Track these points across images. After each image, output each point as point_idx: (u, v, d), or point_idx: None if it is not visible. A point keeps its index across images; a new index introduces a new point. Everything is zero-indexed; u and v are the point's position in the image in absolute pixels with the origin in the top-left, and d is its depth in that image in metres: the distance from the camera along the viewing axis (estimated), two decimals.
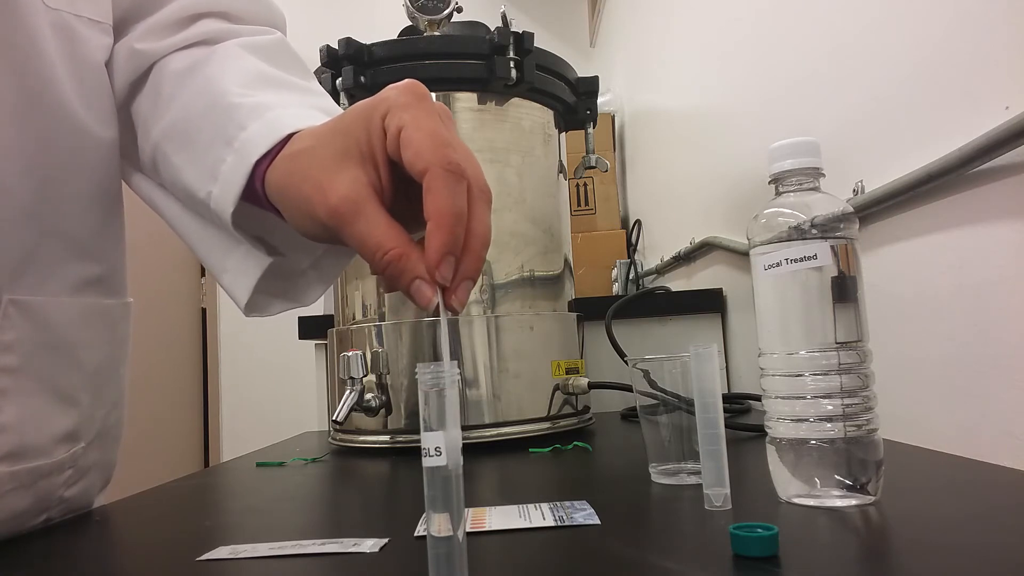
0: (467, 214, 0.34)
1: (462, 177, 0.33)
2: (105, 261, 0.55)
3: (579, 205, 2.05)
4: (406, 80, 0.37)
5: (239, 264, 0.47)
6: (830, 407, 0.43)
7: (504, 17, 0.85)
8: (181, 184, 0.47)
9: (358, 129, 0.36)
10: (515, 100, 0.87)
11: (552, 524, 0.43)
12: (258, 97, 0.45)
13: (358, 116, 0.36)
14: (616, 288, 1.81)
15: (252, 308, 0.48)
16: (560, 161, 0.94)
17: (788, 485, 0.45)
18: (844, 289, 0.44)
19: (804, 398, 0.44)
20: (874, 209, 0.69)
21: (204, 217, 0.48)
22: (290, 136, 0.40)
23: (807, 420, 0.44)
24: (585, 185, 2.05)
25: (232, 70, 0.48)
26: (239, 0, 0.56)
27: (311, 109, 0.45)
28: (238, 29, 0.54)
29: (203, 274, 2.80)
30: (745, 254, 0.65)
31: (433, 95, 0.83)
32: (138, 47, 0.52)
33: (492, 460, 0.70)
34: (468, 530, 0.42)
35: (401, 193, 0.36)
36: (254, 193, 0.42)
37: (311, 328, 1.23)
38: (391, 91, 0.36)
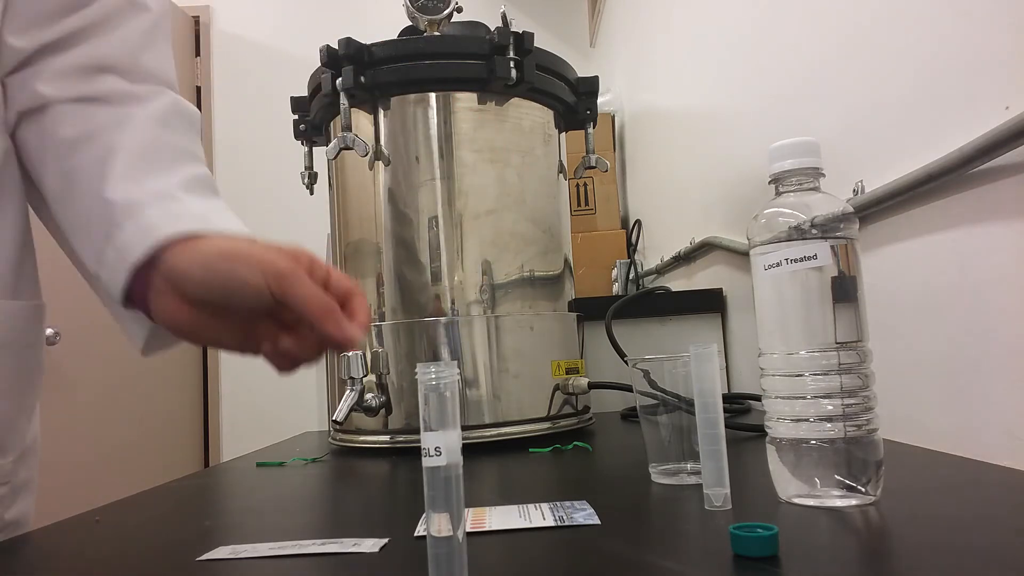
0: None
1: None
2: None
3: (579, 205, 2.05)
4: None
5: (129, 324, 0.50)
6: (830, 407, 0.43)
7: (504, 17, 0.85)
8: (71, 243, 0.50)
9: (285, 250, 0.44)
10: (515, 100, 0.87)
11: (552, 524, 0.43)
12: (134, 191, 0.47)
13: (280, 245, 0.44)
14: (616, 288, 1.81)
15: (149, 350, 0.51)
16: (560, 161, 0.94)
17: (788, 485, 0.45)
18: (844, 289, 0.44)
19: (804, 398, 0.44)
20: (874, 209, 0.69)
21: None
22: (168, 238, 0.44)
23: (807, 420, 0.44)
24: (585, 185, 2.05)
25: (121, 149, 0.50)
26: (142, 59, 0.55)
27: (186, 197, 0.48)
28: (135, 92, 0.54)
29: None
30: (745, 254, 0.65)
31: (433, 95, 0.84)
32: (40, 89, 0.51)
33: (492, 460, 0.70)
34: (468, 530, 0.42)
35: None
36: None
37: None
38: (293, 246, 0.45)
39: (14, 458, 0.54)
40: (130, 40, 0.54)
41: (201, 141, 0.57)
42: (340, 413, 0.77)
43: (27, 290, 0.55)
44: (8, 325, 0.52)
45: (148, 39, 0.56)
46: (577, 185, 2.05)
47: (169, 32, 0.59)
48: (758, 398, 0.85)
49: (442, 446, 0.30)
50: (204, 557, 0.41)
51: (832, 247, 0.44)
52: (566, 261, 0.92)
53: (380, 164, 0.85)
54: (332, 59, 0.83)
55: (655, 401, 0.54)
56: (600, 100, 1.11)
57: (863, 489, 0.43)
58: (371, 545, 0.40)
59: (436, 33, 0.88)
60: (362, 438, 0.82)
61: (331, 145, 0.82)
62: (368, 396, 0.79)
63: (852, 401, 0.43)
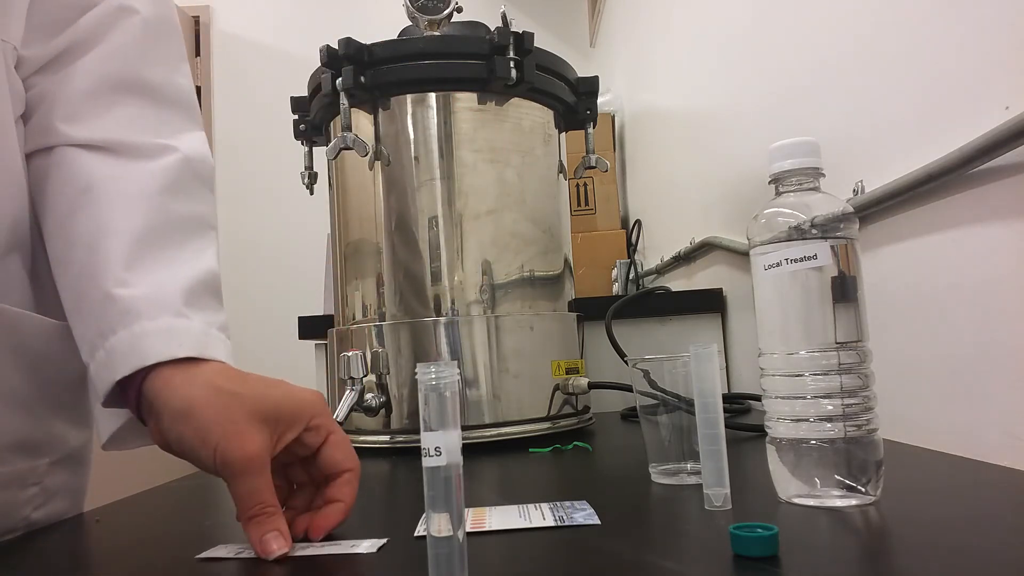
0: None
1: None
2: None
3: (579, 205, 2.05)
4: (316, 392, 0.45)
5: (101, 417, 0.49)
6: (830, 407, 0.43)
7: (504, 17, 0.85)
8: (66, 310, 0.50)
9: (283, 409, 0.43)
10: (515, 100, 0.87)
11: (552, 524, 0.43)
12: (134, 291, 0.46)
13: (288, 399, 0.44)
14: (616, 288, 1.81)
15: (111, 444, 0.50)
16: (560, 161, 0.94)
17: (788, 485, 0.45)
18: (844, 289, 0.44)
19: (804, 398, 0.44)
20: (874, 209, 0.69)
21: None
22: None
23: (807, 420, 0.44)
24: (585, 185, 2.05)
25: (122, 231, 0.48)
26: (144, 72, 0.54)
27: (187, 311, 0.47)
28: (142, 146, 0.52)
29: None
30: (745, 254, 0.65)
31: (433, 95, 0.84)
32: (56, 124, 0.51)
33: (492, 460, 0.70)
34: (468, 530, 0.42)
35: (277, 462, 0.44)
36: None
37: (311, 328, 1.23)
38: (313, 396, 0.45)
39: (50, 461, 0.54)
40: (124, 48, 0.53)
41: (212, 191, 0.55)
42: (340, 413, 0.77)
43: (54, 305, 0.53)
44: (45, 339, 0.52)
45: (142, 46, 0.54)
46: (577, 185, 2.05)
47: (176, 40, 0.58)
48: (758, 398, 0.85)
49: (442, 446, 0.30)
50: (203, 555, 0.41)
51: (832, 247, 0.44)
52: (566, 261, 0.92)
53: (380, 164, 0.85)
54: (332, 59, 0.83)
55: (655, 401, 0.54)
56: (600, 100, 1.10)
57: (863, 489, 0.43)
58: (369, 546, 0.40)
59: (436, 33, 0.88)
60: (362, 438, 0.82)
61: (331, 145, 0.82)
62: (368, 396, 0.79)
63: (852, 401, 0.43)
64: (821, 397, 0.43)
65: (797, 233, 0.44)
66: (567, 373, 0.86)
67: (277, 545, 0.39)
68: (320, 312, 1.44)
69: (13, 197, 0.50)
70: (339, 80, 0.82)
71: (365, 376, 0.79)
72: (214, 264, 0.52)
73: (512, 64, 0.82)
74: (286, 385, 0.45)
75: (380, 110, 0.86)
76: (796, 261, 0.44)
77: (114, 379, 0.44)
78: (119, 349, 0.44)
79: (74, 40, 0.52)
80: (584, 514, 0.44)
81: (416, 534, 0.42)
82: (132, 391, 0.45)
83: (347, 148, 0.81)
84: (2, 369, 0.49)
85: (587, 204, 2.06)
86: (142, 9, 0.55)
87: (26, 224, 0.51)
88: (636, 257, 1.89)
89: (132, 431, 0.49)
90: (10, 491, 0.51)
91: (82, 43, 0.53)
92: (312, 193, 1.02)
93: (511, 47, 0.83)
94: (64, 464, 0.55)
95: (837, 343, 0.43)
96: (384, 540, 0.41)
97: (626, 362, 0.58)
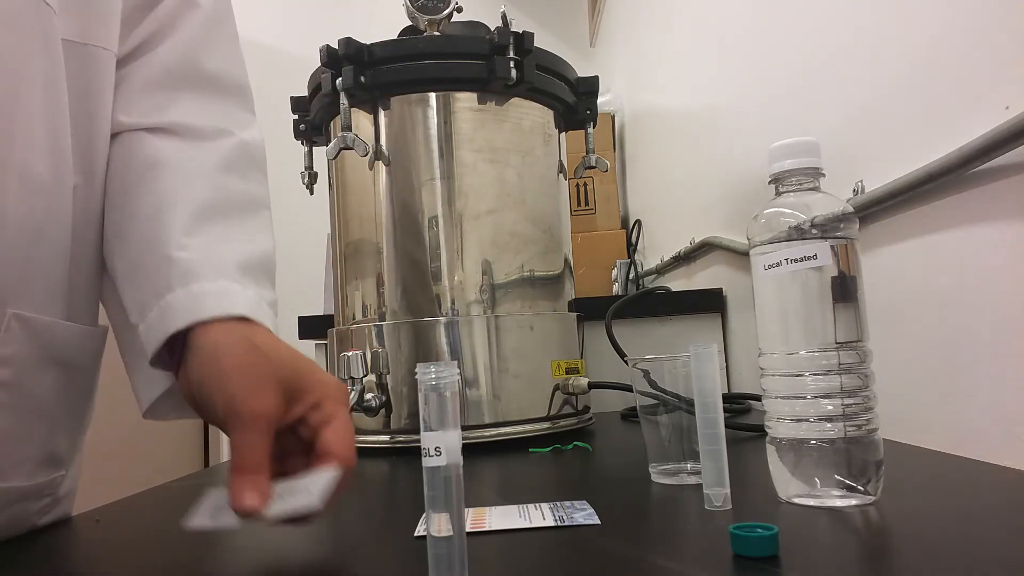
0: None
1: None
2: (92, 287, 0.55)
3: (579, 205, 2.05)
4: (342, 384, 0.45)
5: (148, 375, 0.50)
6: (830, 407, 0.43)
7: (504, 17, 0.85)
8: (116, 284, 0.51)
9: (303, 381, 0.43)
10: (515, 100, 0.87)
11: (552, 524, 0.43)
12: (193, 254, 0.47)
13: (311, 375, 0.43)
14: (616, 288, 1.81)
15: (150, 415, 0.51)
16: (560, 161, 0.94)
17: (788, 485, 0.45)
18: (844, 289, 0.44)
19: (804, 398, 0.44)
20: (874, 209, 0.69)
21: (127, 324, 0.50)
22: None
23: (807, 420, 0.44)
24: (585, 185, 2.05)
25: (183, 201, 0.50)
26: (203, 62, 0.56)
27: (241, 278, 0.48)
28: (202, 128, 0.54)
29: None
30: (745, 254, 0.65)
31: (433, 95, 0.84)
32: (118, 116, 0.53)
33: (492, 460, 0.70)
34: (468, 530, 0.42)
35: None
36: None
37: (311, 328, 1.23)
38: (337, 382, 0.45)
39: (67, 471, 0.54)
40: (187, 42, 0.55)
41: (266, 176, 0.57)
42: None
43: (87, 312, 0.54)
44: (78, 347, 0.52)
45: (204, 38, 0.56)
46: (577, 185, 2.05)
47: (232, 29, 0.59)
48: (758, 398, 0.85)
49: (442, 446, 0.30)
50: (190, 524, 0.39)
51: (832, 247, 0.44)
52: (566, 261, 0.92)
53: (380, 164, 0.85)
54: (332, 59, 0.83)
55: (655, 401, 0.54)
56: (600, 100, 1.10)
57: (863, 489, 0.43)
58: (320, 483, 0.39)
59: (436, 33, 0.88)
60: (362, 438, 0.82)
61: (331, 145, 0.82)
62: (368, 396, 0.79)
63: (852, 401, 0.43)
64: (821, 397, 0.43)
65: (797, 233, 0.44)
66: (567, 373, 0.86)
67: (251, 499, 0.38)
68: (320, 312, 1.44)
69: (63, 211, 0.49)
70: (339, 80, 0.82)
71: (365, 376, 0.79)
72: (270, 246, 0.53)
73: (512, 64, 0.82)
74: (316, 365, 0.45)
75: (380, 110, 0.86)
76: (796, 261, 0.44)
77: (168, 332, 0.44)
78: (175, 305, 0.45)
79: (144, 37, 0.54)
80: (584, 514, 0.44)
81: (416, 534, 0.42)
82: (177, 354, 0.45)
83: (347, 148, 0.81)
84: (32, 380, 0.48)
85: (587, 204, 2.06)
86: (203, 3, 0.57)
87: (68, 236, 0.51)
88: (636, 257, 1.89)
89: (171, 401, 0.50)
90: (27, 503, 0.50)
91: (149, 40, 0.54)
92: (312, 193, 1.02)
93: (511, 47, 0.83)
94: (73, 470, 0.55)
95: (837, 343, 0.43)
96: (331, 473, 0.40)
97: (626, 362, 0.58)
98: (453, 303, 0.82)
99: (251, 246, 0.51)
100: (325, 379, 0.44)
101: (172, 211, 0.49)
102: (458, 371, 0.32)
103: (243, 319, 0.45)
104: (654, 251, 1.83)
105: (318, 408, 0.43)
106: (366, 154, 0.83)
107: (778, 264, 0.45)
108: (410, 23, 0.90)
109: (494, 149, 0.85)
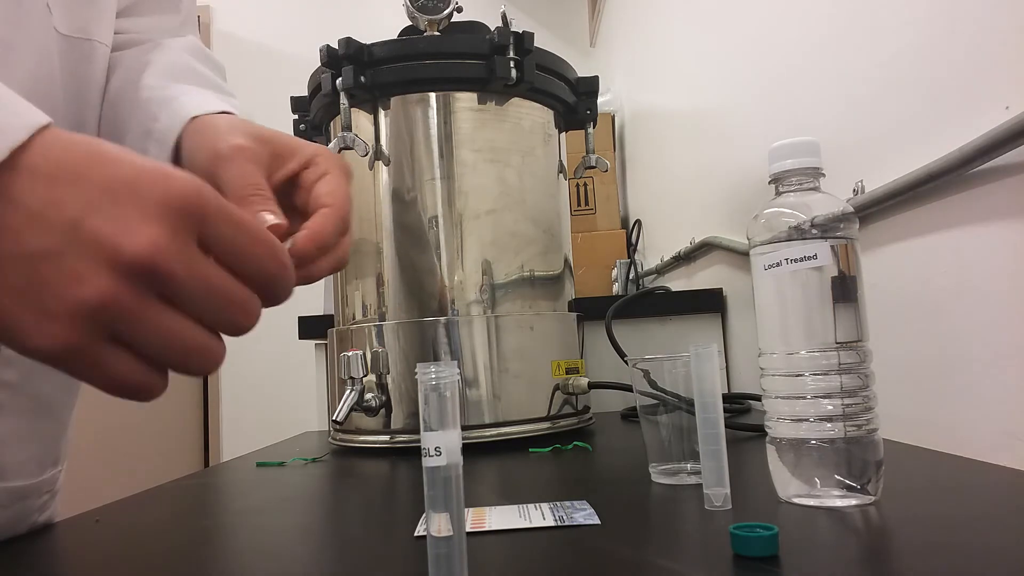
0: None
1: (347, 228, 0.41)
2: None
3: (579, 205, 2.05)
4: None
5: None
6: (830, 407, 0.43)
7: (504, 17, 0.85)
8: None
9: (293, 141, 0.42)
10: (515, 100, 0.87)
11: (552, 524, 0.43)
12: (167, 91, 0.49)
13: (295, 139, 0.43)
14: (616, 288, 1.81)
15: None
16: (560, 161, 0.94)
17: (788, 485, 0.45)
18: (844, 289, 0.44)
19: (804, 398, 0.44)
20: (874, 209, 0.69)
21: None
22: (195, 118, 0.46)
23: (807, 420, 0.44)
24: (585, 185, 2.05)
25: (155, 63, 0.53)
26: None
27: (209, 95, 0.50)
28: (169, 27, 0.58)
29: None
30: (745, 254, 0.65)
31: (433, 95, 0.84)
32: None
33: (492, 460, 0.70)
34: (468, 530, 0.42)
35: None
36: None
37: (311, 328, 1.23)
38: (322, 147, 0.44)
39: (64, 467, 0.55)
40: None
41: (225, 77, 0.60)
42: (340, 413, 0.77)
43: None
44: None
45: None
46: (577, 185, 2.05)
47: None
48: (758, 398, 0.85)
49: (442, 446, 0.30)
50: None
51: (832, 247, 0.44)
52: (566, 261, 0.92)
53: (380, 164, 0.85)
54: (332, 59, 0.83)
55: (655, 401, 0.54)
56: (600, 100, 1.10)
57: (863, 489, 0.43)
58: None
59: (436, 33, 0.88)
60: (362, 438, 0.82)
61: (331, 145, 0.82)
62: (368, 396, 0.79)
63: (852, 401, 0.43)
64: (821, 397, 0.43)
65: (797, 233, 0.44)
66: (567, 373, 0.86)
67: (272, 216, 0.37)
68: (320, 312, 1.44)
69: None
70: (339, 80, 0.82)
71: (365, 376, 0.79)
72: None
73: (512, 64, 0.82)
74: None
75: (380, 110, 0.86)
76: (796, 261, 0.44)
77: (179, 127, 0.45)
78: (165, 125, 0.46)
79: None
80: (584, 514, 0.44)
81: (416, 534, 0.42)
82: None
83: (347, 148, 0.81)
84: (38, 381, 0.48)
85: (587, 204, 2.06)
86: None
87: None
88: (636, 257, 1.89)
89: None
90: (28, 501, 0.51)
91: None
92: None
93: (511, 47, 0.83)
94: (65, 465, 0.56)
95: (837, 343, 0.43)
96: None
97: (626, 362, 0.58)
98: (453, 303, 0.82)
99: (218, 93, 0.52)
100: (318, 146, 0.44)
101: (147, 72, 0.51)
102: (458, 371, 0.32)
103: (225, 114, 0.46)
104: (654, 251, 1.83)
105: (313, 166, 0.42)
106: (366, 154, 0.83)
107: (778, 264, 0.45)
108: (410, 23, 0.90)
109: (494, 149, 0.85)
